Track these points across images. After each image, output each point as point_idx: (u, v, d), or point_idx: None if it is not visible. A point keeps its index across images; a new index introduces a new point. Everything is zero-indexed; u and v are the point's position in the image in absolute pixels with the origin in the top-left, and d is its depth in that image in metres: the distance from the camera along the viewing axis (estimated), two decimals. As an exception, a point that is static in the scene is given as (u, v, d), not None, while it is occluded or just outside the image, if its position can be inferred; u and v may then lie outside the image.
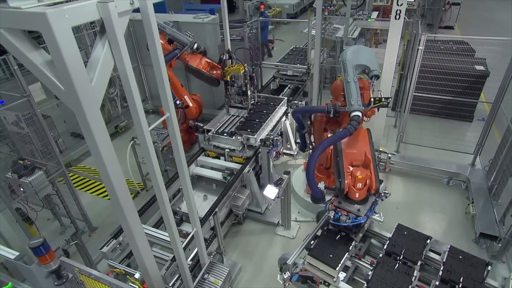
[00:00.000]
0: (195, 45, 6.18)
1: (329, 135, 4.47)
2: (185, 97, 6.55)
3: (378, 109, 4.33)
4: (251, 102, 6.33)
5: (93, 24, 7.62)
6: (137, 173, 6.34)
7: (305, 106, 4.46)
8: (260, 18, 8.77)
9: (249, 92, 6.12)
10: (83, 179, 6.91)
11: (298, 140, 6.08)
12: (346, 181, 3.55)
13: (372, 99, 4.03)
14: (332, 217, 3.67)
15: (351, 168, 3.65)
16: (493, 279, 3.60)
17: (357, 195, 3.59)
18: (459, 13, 14.33)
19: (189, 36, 6.24)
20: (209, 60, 6.45)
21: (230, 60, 6.18)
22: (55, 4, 1.78)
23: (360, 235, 3.98)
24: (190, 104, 6.60)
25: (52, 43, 1.72)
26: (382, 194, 3.82)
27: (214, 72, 6.40)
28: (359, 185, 3.54)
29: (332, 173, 5.42)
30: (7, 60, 4.56)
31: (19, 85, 4.52)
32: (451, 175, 6.16)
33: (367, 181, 3.58)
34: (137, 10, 2.21)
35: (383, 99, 4.02)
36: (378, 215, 3.75)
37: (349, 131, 3.63)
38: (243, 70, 5.92)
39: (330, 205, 3.74)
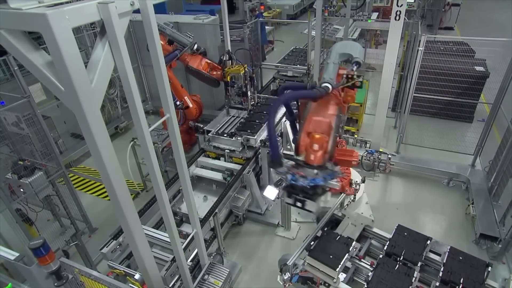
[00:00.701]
0: (195, 46, 6.19)
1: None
2: (185, 98, 6.55)
3: (353, 89, 4.26)
4: (251, 103, 6.33)
5: (93, 25, 7.62)
6: (137, 173, 6.34)
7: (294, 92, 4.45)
8: (255, 19, 8.77)
9: (249, 92, 6.13)
10: (83, 180, 6.91)
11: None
12: (302, 140, 3.60)
13: (344, 76, 4.01)
14: (289, 179, 3.51)
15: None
16: (493, 280, 3.60)
17: (312, 157, 3.56)
18: (459, 14, 14.34)
19: (189, 37, 6.24)
20: (209, 61, 6.45)
21: (230, 61, 6.19)
22: (55, 5, 1.78)
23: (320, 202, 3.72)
24: (190, 105, 6.60)
25: (53, 44, 1.73)
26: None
27: (214, 73, 6.41)
28: (315, 146, 3.55)
29: None
30: (8, 61, 4.57)
31: (19, 86, 4.52)
32: (451, 176, 6.16)
33: (323, 145, 3.59)
34: (137, 11, 2.21)
35: (355, 76, 3.96)
36: (336, 181, 3.73)
37: (313, 93, 3.68)
38: (243, 71, 5.93)
39: (289, 171, 3.64)
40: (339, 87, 4.04)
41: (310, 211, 3.55)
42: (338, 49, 4.39)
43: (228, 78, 6.13)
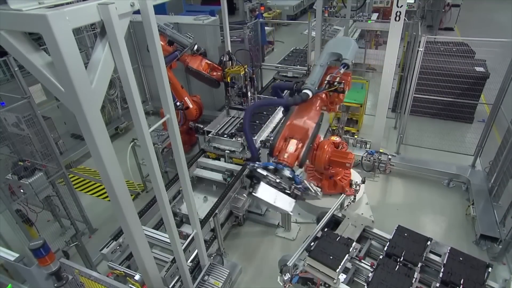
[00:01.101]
0: (195, 47, 6.19)
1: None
2: (185, 98, 6.55)
3: (336, 94, 4.37)
4: (251, 103, 6.33)
5: (93, 26, 7.62)
6: (137, 174, 6.34)
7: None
8: (255, 20, 8.78)
9: (249, 93, 6.13)
10: (83, 181, 6.91)
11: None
12: (278, 143, 3.83)
13: (326, 82, 4.13)
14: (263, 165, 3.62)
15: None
16: (493, 281, 3.59)
17: (285, 156, 3.73)
18: (459, 14, 14.35)
19: (189, 38, 6.24)
20: (209, 62, 6.46)
21: (230, 62, 6.18)
22: (55, 6, 1.78)
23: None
24: (190, 106, 6.60)
25: (53, 45, 1.73)
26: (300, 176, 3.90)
27: (214, 73, 6.41)
28: (290, 148, 3.80)
29: (326, 178, 5.49)
30: (8, 61, 4.57)
31: (20, 87, 4.53)
32: (451, 177, 6.16)
33: (297, 149, 3.82)
34: (137, 12, 2.22)
35: (336, 83, 4.12)
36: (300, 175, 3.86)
37: (284, 101, 3.96)
38: (244, 72, 5.93)
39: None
40: (322, 92, 4.16)
41: (279, 208, 3.61)
42: (330, 47, 4.44)
43: (228, 78, 6.12)
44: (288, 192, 3.58)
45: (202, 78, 6.43)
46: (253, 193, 3.55)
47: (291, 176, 3.53)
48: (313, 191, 3.62)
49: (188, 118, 6.73)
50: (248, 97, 6.15)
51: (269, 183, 3.60)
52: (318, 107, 4.26)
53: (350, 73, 4.53)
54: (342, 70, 4.26)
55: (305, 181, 3.61)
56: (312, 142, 3.97)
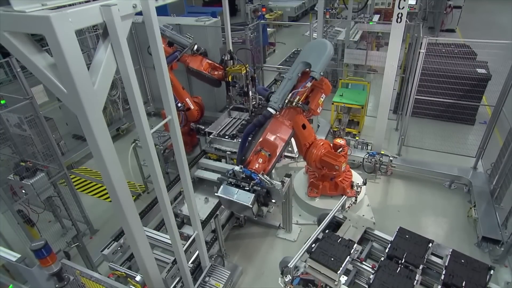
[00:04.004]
0: (195, 47, 6.19)
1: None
2: (187, 99, 6.56)
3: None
4: (253, 103, 6.32)
5: (95, 27, 7.66)
6: (139, 175, 6.35)
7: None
8: (257, 21, 8.78)
9: (250, 92, 6.12)
10: (84, 181, 6.92)
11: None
12: (250, 156, 4.34)
13: (287, 101, 4.47)
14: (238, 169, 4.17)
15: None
16: (495, 284, 3.58)
17: (256, 166, 4.26)
18: (460, 16, 14.34)
19: (189, 38, 6.24)
20: (210, 61, 6.46)
21: (231, 61, 6.18)
22: (58, 7, 1.79)
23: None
24: (192, 107, 6.61)
25: (55, 46, 1.73)
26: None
27: (216, 73, 6.40)
28: (260, 160, 4.32)
29: (327, 179, 5.55)
30: (10, 62, 4.59)
31: (22, 88, 4.55)
32: (453, 179, 6.14)
33: (265, 163, 4.36)
34: (139, 13, 2.22)
35: (294, 103, 4.48)
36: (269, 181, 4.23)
37: (254, 125, 4.44)
38: (245, 71, 5.92)
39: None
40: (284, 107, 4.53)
41: (240, 202, 4.05)
42: (304, 54, 4.59)
43: (230, 78, 6.12)
44: (248, 189, 4.08)
45: (203, 78, 6.43)
46: (216, 193, 4.18)
47: (249, 175, 4.11)
48: (268, 183, 4.05)
49: (189, 119, 6.74)
50: (249, 96, 6.12)
51: (230, 184, 4.20)
52: (288, 123, 4.63)
53: (325, 80, 4.76)
54: (309, 84, 4.48)
55: (260, 175, 4.08)
56: (279, 157, 4.53)
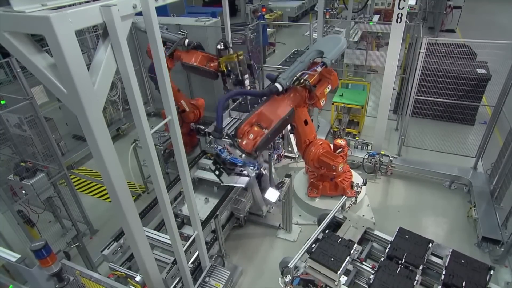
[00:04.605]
0: (186, 41, 5.95)
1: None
2: (182, 101, 6.52)
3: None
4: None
5: (95, 27, 7.66)
6: (139, 175, 6.35)
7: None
8: (257, 22, 8.75)
9: (247, 81, 5.71)
10: (84, 182, 6.92)
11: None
12: (244, 125, 4.21)
13: (296, 78, 4.43)
14: (218, 149, 4.22)
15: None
16: (495, 284, 3.58)
17: (244, 142, 4.12)
18: (460, 16, 14.35)
19: (182, 34, 6.04)
20: (205, 54, 6.17)
21: (227, 50, 5.79)
22: (58, 8, 1.79)
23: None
24: (187, 109, 6.57)
25: (55, 47, 1.73)
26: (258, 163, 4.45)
27: (212, 64, 6.07)
28: (251, 135, 4.14)
29: (327, 179, 5.54)
30: (10, 62, 4.59)
31: (22, 88, 4.55)
32: (453, 179, 6.14)
33: (257, 137, 4.14)
34: (139, 13, 2.22)
35: (302, 80, 4.44)
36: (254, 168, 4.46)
37: (256, 92, 4.54)
38: (237, 58, 5.51)
39: (224, 146, 4.30)
40: (291, 86, 4.48)
41: (221, 182, 4.40)
42: (318, 44, 4.73)
43: (223, 67, 5.71)
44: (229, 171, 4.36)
45: (199, 72, 6.16)
46: (218, 176, 4.44)
47: (221, 154, 4.20)
48: (231, 152, 4.16)
49: (185, 120, 6.70)
50: (245, 86, 5.73)
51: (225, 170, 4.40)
52: (290, 102, 4.56)
53: (334, 72, 4.79)
54: (319, 69, 4.53)
55: (227, 150, 4.17)
56: (273, 133, 4.33)
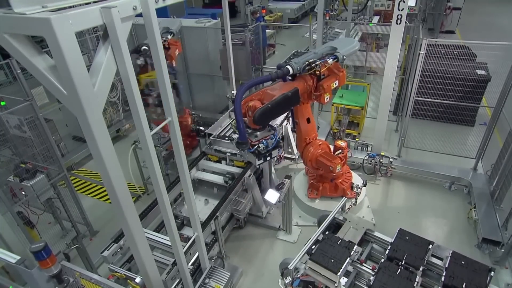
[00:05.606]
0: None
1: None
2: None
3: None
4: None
5: (95, 29, 7.67)
6: (139, 176, 6.35)
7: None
8: (256, 23, 8.78)
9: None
10: (84, 183, 6.92)
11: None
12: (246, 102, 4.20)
13: (307, 63, 4.43)
14: (261, 147, 4.28)
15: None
16: (496, 285, 3.57)
17: (247, 121, 4.22)
18: (460, 17, 14.37)
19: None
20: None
21: (149, 66, 4.85)
22: (59, 9, 1.79)
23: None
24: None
25: (56, 48, 1.74)
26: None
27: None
28: (249, 113, 4.17)
29: (327, 180, 5.55)
30: (10, 64, 4.60)
31: (22, 89, 4.55)
32: (453, 180, 6.14)
33: (256, 107, 4.17)
34: (140, 15, 2.23)
35: (314, 65, 4.45)
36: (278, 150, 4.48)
37: (270, 76, 4.29)
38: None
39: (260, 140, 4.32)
40: (303, 73, 4.49)
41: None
42: (334, 42, 4.90)
43: (142, 86, 4.86)
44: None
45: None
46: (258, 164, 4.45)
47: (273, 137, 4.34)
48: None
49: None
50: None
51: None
52: (296, 84, 4.54)
53: (342, 69, 4.80)
54: (330, 60, 4.57)
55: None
56: (274, 106, 4.27)
